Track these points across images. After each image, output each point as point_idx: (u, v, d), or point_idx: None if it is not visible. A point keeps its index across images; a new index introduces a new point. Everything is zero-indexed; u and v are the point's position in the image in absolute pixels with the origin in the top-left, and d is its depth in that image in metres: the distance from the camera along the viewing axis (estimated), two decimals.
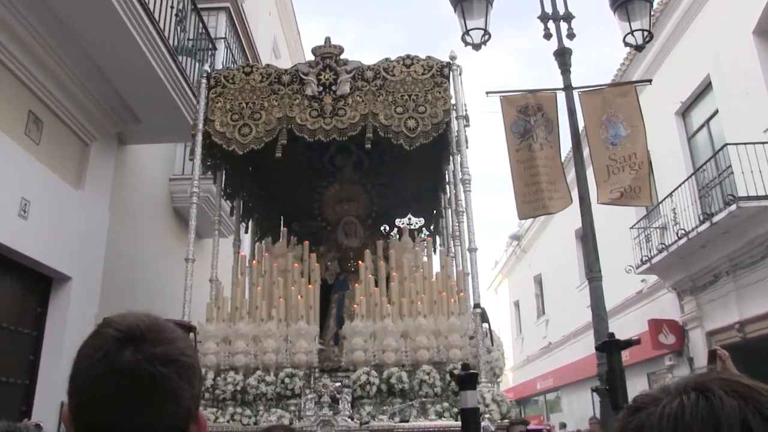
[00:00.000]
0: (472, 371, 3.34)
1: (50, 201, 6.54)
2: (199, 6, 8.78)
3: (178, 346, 1.11)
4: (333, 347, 7.16)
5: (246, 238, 9.00)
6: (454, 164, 7.07)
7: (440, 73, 6.74)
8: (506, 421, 5.67)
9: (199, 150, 6.58)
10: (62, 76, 6.57)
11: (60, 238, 6.70)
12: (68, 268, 6.87)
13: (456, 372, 5.54)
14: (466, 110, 6.74)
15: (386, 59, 6.82)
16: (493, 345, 6.10)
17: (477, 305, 6.04)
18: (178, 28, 7.91)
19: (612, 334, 3.22)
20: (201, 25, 8.72)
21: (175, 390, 1.07)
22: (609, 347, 3.16)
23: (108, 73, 7.01)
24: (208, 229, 7.79)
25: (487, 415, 5.35)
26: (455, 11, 7.28)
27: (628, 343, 3.21)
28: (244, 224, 8.52)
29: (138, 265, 8.68)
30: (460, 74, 6.83)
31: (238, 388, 5.86)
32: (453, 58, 6.89)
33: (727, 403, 0.80)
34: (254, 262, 7.32)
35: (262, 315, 6.29)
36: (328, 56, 6.86)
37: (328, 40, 6.97)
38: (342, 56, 6.89)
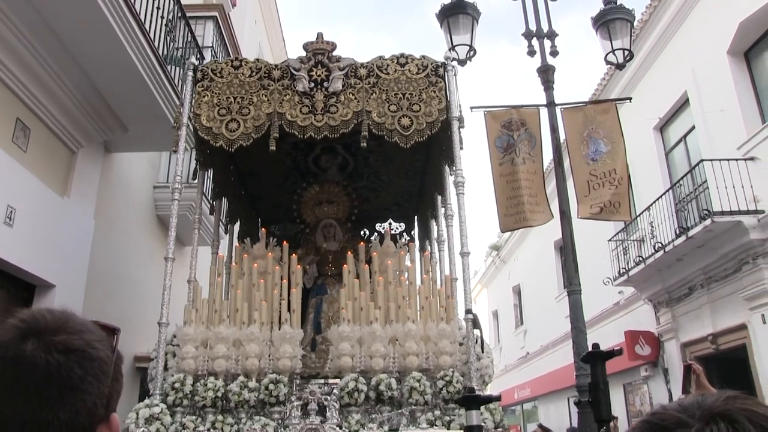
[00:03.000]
0: (476, 394, 3.47)
1: (36, 208, 6.54)
2: (188, 15, 8.84)
3: (84, 338, 1.04)
4: (310, 353, 7.01)
5: (224, 241, 8.93)
6: (443, 167, 6.98)
7: (435, 72, 6.57)
8: (499, 429, 5.56)
9: (182, 144, 6.38)
10: (50, 84, 6.59)
11: (44, 246, 6.70)
12: (52, 276, 6.86)
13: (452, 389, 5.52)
14: (461, 111, 6.56)
15: (380, 57, 6.64)
16: (483, 351, 5.98)
17: (469, 311, 5.89)
18: (168, 38, 7.96)
19: (597, 345, 3.31)
20: (189, 33, 8.77)
21: (74, 382, 1.00)
22: (593, 358, 3.24)
23: (96, 81, 7.03)
24: (190, 236, 7.74)
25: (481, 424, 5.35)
26: (441, 27, 7.44)
27: (611, 354, 3.29)
28: (223, 225, 8.36)
29: (122, 272, 8.69)
30: (455, 75, 6.67)
31: (219, 394, 5.57)
32: (448, 58, 6.75)
33: None
34: (234, 265, 7.08)
35: (243, 318, 6.07)
36: (320, 52, 6.63)
37: (320, 35, 6.75)
38: (334, 53, 6.68)
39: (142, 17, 6.82)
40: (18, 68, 6.11)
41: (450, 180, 6.70)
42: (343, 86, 6.48)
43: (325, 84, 6.50)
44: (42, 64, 6.34)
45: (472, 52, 7.28)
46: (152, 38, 7.13)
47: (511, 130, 7.33)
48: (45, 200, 6.78)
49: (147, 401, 5.56)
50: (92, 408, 1.02)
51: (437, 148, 7.10)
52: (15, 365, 0.98)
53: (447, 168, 6.89)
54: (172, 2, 8.10)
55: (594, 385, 3.19)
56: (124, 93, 7.23)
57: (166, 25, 7.88)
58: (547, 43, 7.43)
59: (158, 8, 7.54)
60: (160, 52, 7.47)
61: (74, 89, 6.90)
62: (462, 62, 7.17)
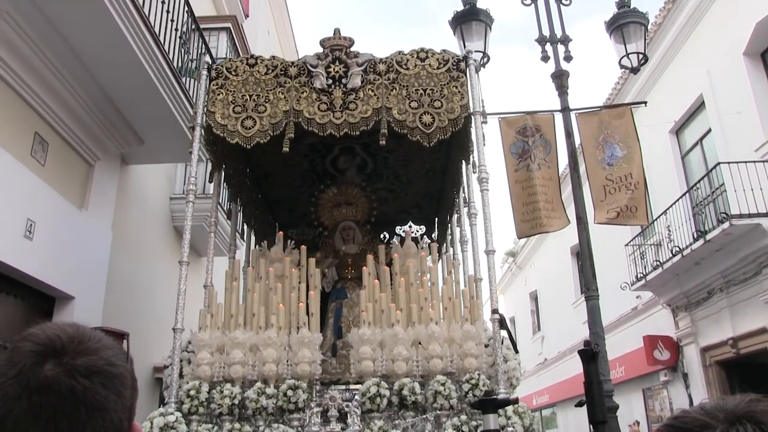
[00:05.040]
0: (492, 397, 3.44)
1: (55, 221, 6.60)
2: (201, 26, 8.90)
3: (103, 356, 1.04)
4: (331, 359, 6.89)
5: (240, 250, 8.89)
6: (465, 165, 6.84)
7: (456, 67, 6.35)
8: None
9: (197, 144, 6.25)
10: (68, 98, 6.65)
11: (63, 258, 6.75)
12: (71, 288, 6.91)
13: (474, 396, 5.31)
14: (483, 107, 6.33)
15: (399, 52, 6.43)
16: (517, 353, 5.76)
17: (495, 311, 5.65)
18: (182, 49, 8.02)
19: (588, 342, 3.29)
20: (203, 45, 8.83)
21: (101, 403, 1.00)
22: (585, 356, 3.21)
23: (112, 94, 7.09)
24: (206, 246, 7.68)
25: (510, 429, 5.12)
26: (454, 34, 7.44)
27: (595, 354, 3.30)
28: (238, 234, 8.26)
29: (139, 283, 8.74)
30: (477, 70, 6.48)
31: (236, 401, 5.42)
32: (469, 52, 6.59)
33: None
34: (250, 269, 6.88)
35: (260, 322, 5.87)
36: (337, 48, 6.44)
37: (337, 31, 6.56)
38: (352, 48, 6.49)
39: (156, 30, 6.88)
40: (35, 83, 6.17)
41: (473, 178, 6.53)
42: (362, 82, 6.30)
43: (344, 80, 6.32)
44: (58, 78, 6.40)
45: (485, 59, 7.28)
46: (167, 50, 7.18)
47: (525, 136, 7.32)
48: (63, 213, 6.83)
49: (162, 409, 5.43)
50: (118, 424, 1.03)
51: (458, 146, 6.95)
52: (41, 395, 0.97)
53: (468, 166, 6.75)
54: (186, 14, 8.16)
55: (588, 383, 3.16)
56: (140, 105, 7.28)
57: (181, 37, 7.94)
58: (560, 48, 7.42)
59: (172, 21, 7.59)
60: (175, 63, 7.53)
61: (90, 103, 6.96)
62: (476, 69, 7.16)
